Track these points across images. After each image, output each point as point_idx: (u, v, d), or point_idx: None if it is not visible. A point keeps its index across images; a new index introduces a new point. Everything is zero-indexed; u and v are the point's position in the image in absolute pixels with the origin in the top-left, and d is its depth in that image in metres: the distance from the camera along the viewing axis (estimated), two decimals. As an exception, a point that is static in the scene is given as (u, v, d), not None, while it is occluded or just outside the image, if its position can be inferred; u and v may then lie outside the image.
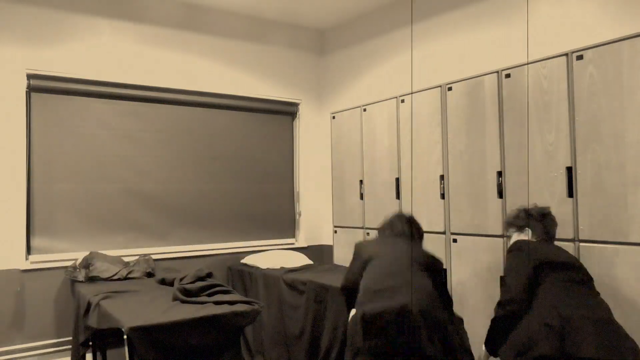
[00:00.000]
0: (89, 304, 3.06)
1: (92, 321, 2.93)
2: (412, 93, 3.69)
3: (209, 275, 3.23)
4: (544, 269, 2.25)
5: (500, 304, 2.28)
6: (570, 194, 2.72)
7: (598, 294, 2.23)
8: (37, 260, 3.82)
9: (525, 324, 2.15)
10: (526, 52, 3.45)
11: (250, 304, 2.84)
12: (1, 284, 3.66)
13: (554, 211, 2.77)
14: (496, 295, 3.08)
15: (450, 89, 3.39)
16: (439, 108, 3.45)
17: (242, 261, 4.45)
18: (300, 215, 5.14)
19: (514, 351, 2.14)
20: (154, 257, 4.04)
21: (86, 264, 3.65)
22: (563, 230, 2.75)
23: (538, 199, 2.86)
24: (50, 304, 3.82)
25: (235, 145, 4.80)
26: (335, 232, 4.40)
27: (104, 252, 3.96)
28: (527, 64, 2.95)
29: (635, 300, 2.47)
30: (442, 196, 3.42)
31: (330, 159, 4.54)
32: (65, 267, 3.76)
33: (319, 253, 5.10)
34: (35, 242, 3.84)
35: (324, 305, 3.34)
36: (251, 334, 4.03)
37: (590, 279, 2.28)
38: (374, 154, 3.98)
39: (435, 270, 2.53)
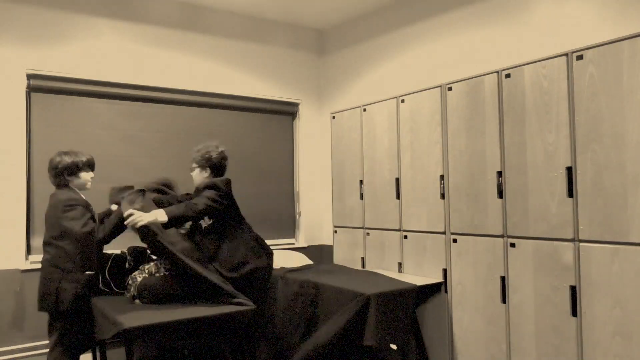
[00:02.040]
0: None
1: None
2: (408, 94, 3.69)
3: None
4: None
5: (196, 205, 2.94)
6: (570, 194, 2.72)
7: None
8: (37, 260, 3.80)
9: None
10: (526, 52, 3.45)
11: (244, 304, 2.86)
12: (1, 284, 3.66)
13: (553, 211, 2.78)
14: (496, 295, 3.08)
15: (450, 89, 3.39)
16: (439, 108, 3.45)
17: (242, 261, 4.44)
18: (300, 215, 5.14)
19: None
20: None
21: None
22: (563, 230, 2.75)
23: (538, 199, 2.87)
24: (50, 304, 3.82)
25: (235, 145, 4.80)
26: (335, 232, 4.40)
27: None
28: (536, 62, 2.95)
29: (636, 300, 2.47)
30: (442, 196, 3.42)
31: (330, 159, 4.54)
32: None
33: (319, 253, 5.10)
34: (35, 242, 3.84)
35: (323, 305, 3.34)
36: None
37: None
38: (374, 154, 3.98)
39: None
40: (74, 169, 3.03)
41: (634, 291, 2.48)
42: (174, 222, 2.87)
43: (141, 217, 2.73)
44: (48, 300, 2.89)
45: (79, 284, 2.90)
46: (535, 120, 2.89)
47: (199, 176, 3.26)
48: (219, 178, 3.22)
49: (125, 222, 2.77)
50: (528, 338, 2.91)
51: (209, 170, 3.25)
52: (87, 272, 2.95)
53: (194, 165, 3.26)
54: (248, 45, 4.84)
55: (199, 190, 3.16)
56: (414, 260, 3.63)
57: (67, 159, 3.01)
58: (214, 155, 3.23)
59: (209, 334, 2.72)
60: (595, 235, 2.62)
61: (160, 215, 2.79)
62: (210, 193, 3.04)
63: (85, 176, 3.08)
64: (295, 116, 5.18)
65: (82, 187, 3.08)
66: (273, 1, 4.53)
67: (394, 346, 3.12)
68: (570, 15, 3.24)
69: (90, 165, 3.10)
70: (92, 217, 3.01)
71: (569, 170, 2.73)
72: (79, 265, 2.92)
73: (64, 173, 3.01)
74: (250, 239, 3.23)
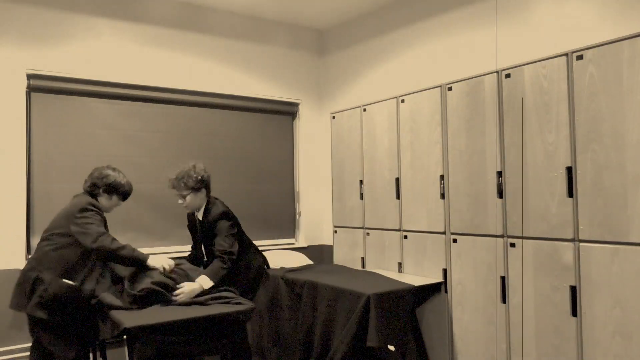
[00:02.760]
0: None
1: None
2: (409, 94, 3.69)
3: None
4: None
5: (231, 254, 3.12)
6: (570, 194, 2.72)
7: None
8: (37, 260, 3.81)
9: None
10: (526, 52, 3.45)
11: (242, 303, 2.87)
12: (1, 284, 3.66)
13: (553, 211, 2.78)
14: (496, 295, 3.08)
15: (450, 89, 3.39)
16: (439, 108, 3.45)
17: (242, 261, 4.44)
18: (300, 215, 5.14)
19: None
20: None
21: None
22: (563, 230, 2.75)
23: (538, 199, 2.87)
24: (50, 304, 3.82)
25: (235, 145, 4.80)
26: (335, 232, 4.40)
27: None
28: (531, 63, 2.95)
29: (636, 300, 2.47)
30: (442, 196, 3.42)
31: (330, 159, 4.54)
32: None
33: (319, 253, 5.10)
34: (35, 242, 3.83)
35: (323, 306, 3.34)
36: (250, 333, 4.03)
37: None
38: (374, 154, 3.98)
39: None
40: (112, 190, 3.04)
41: (634, 291, 2.48)
42: (219, 281, 3.05)
43: (189, 294, 2.88)
44: (19, 299, 2.80)
45: (49, 288, 2.72)
46: (535, 120, 2.89)
47: (196, 199, 3.31)
48: (219, 201, 3.38)
49: (175, 298, 2.87)
50: (528, 338, 2.91)
51: (204, 191, 3.33)
52: (64, 280, 2.75)
53: (186, 192, 3.27)
54: (248, 45, 4.84)
55: (210, 222, 3.26)
56: (414, 260, 3.63)
57: (117, 179, 3.04)
58: (205, 175, 3.33)
59: (209, 333, 2.72)
60: (595, 235, 2.62)
61: (205, 283, 2.96)
62: (226, 225, 3.21)
63: (115, 202, 3.10)
64: (295, 116, 5.18)
65: (105, 209, 3.07)
66: (273, 1, 4.53)
67: (392, 347, 3.12)
68: (570, 15, 3.24)
69: (125, 197, 3.14)
70: (105, 226, 2.97)
71: (569, 170, 2.73)
72: (58, 270, 2.76)
73: (102, 187, 3.01)
74: (256, 262, 3.49)
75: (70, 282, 2.77)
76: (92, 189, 3.03)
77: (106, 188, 3.02)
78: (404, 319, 3.16)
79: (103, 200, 3.05)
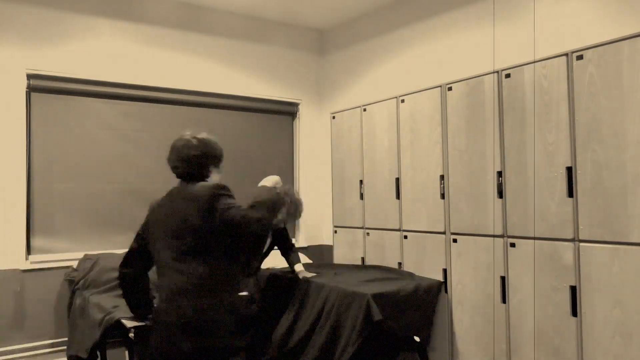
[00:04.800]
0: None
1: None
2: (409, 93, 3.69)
3: None
4: None
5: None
6: (570, 194, 2.72)
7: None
8: (37, 260, 3.81)
9: None
10: (526, 51, 3.45)
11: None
12: (1, 284, 3.66)
13: (553, 211, 2.78)
14: (496, 295, 3.08)
15: (450, 89, 3.38)
16: (439, 108, 3.45)
17: (242, 261, 4.44)
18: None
19: None
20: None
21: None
22: (563, 230, 2.74)
23: (538, 199, 2.86)
24: (50, 304, 3.82)
25: (235, 145, 4.79)
26: (335, 232, 4.40)
27: (104, 252, 3.95)
28: (533, 62, 2.95)
29: (636, 300, 2.47)
30: (442, 196, 3.42)
31: (330, 159, 4.54)
32: (66, 267, 3.76)
33: (319, 253, 5.10)
34: (35, 242, 3.84)
35: (323, 305, 3.33)
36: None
37: None
38: (374, 154, 3.98)
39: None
40: (219, 162, 2.25)
41: (634, 291, 2.48)
42: None
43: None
44: (207, 342, 1.94)
45: (236, 309, 2.02)
46: (535, 120, 2.89)
47: None
48: None
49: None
50: (528, 338, 2.91)
51: None
52: (240, 295, 2.17)
53: None
54: (248, 45, 4.84)
55: None
56: (414, 260, 3.63)
57: (219, 146, 2.22)
58: None
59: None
60: (595, 235, 2.62)
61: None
62: None
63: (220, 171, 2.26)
64: (295, 116, 5.18)
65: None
66: (273, 1, 4.53)
67: (417, 338, 3.19)
68: (570, 15, 3.24)
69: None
70: None
71: (569, 170, 2.73)
72: (236, 284, 2.05)
73: (211, 164, 2.21)
74: None
75: (244, 293, 2.33)
76: (202, 172, 2.30)
77: (216, 163, 2.31)
78: (429, 311, 3.31)
79: (214, 178, 2.32)
